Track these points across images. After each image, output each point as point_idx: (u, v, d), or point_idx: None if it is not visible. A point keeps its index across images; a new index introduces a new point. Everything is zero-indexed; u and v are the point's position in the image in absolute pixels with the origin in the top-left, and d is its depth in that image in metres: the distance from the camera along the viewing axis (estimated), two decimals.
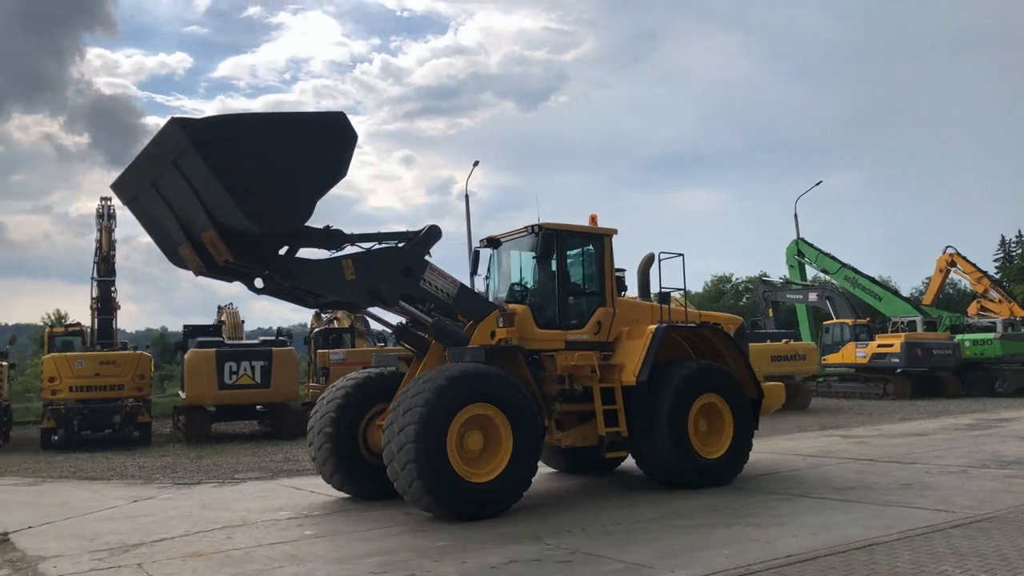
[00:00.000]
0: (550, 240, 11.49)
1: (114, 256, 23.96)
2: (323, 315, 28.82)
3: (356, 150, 9.83)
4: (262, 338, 25.30)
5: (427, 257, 10.98)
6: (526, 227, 11.79)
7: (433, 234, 11.09)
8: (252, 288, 10.25)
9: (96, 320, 23.60)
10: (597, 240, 12.10)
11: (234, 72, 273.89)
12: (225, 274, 10.08)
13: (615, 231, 12.27)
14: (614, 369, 11.45)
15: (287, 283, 10.20)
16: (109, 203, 24.27)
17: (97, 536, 9.45)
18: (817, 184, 45.62)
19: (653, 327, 11.62)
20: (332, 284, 10.35)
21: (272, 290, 10.31)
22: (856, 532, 8.15)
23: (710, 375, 11.71)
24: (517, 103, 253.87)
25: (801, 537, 8.08)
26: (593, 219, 12.28)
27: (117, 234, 24.42)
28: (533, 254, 11.83)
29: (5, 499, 12.66)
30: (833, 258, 39.17)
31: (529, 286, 12.08)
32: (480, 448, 9.78)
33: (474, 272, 12.58)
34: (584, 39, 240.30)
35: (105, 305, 23.59)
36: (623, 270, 12.61)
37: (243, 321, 27.77)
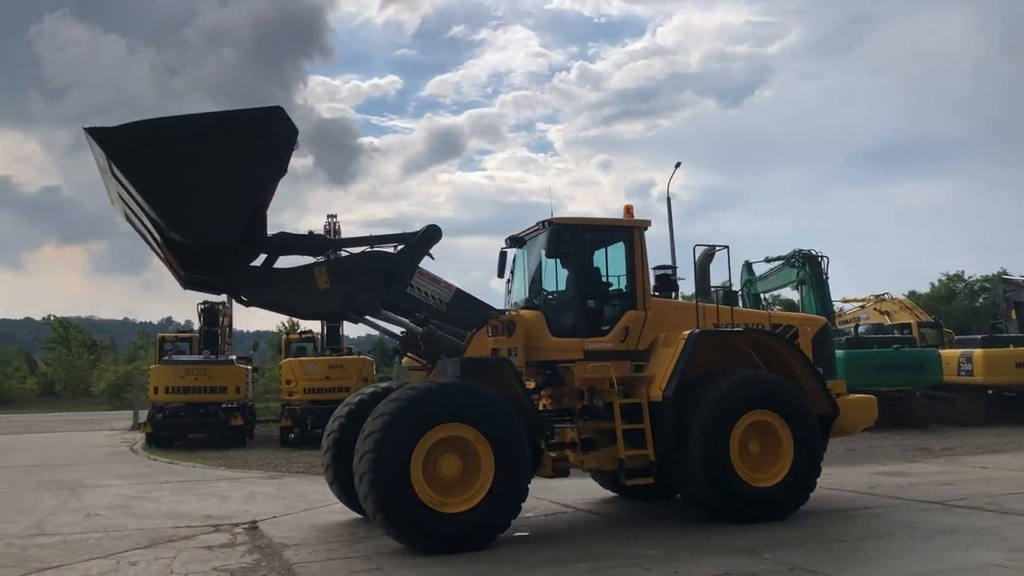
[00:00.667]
0: (561, 237, 10.14)
1: None
2: None
3: (553, 157, 9.80)
4: None
5: (431, 258, 10.17)
6: (539, 223, 10.55)
7: (432, 234, 10.18)
8: (240, 301, 9.92)
9: (325, 327, 25.55)
10: (625, 234, 10.48)
11: (440, 90, 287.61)
12: (200, 286, 9.90)
13: (647, 223, 10.68)
14: (642, 382, 10.01)
15: (254, 296, 9.67)
16: (335, 220, 26.25)
17: (331, 527, 10.30)
18: None
19: (687, 333, 10.06)
20: (302, 294, 9.70)
21: (259, 303, 9.81)
22: None
23: (760, 388, 9.86)
24: (719, 100, 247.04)
25: None
26: (628, 211, 10.76)
27: None
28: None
29: (253, 490, 14.07)
30: None
31: (544, 289, 10.67)
32: (457, 474, 8.62)
33: (500, 274, 11.23)
34: (789, 30, 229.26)
35: None
36: (672, 267, 11.19)
37: None
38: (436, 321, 10.13)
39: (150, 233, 9.17)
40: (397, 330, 10.43)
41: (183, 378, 22.77)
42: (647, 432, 9.67)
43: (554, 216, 10.48)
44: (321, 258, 9.89)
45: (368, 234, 10.43)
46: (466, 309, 10.13)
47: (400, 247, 10.12)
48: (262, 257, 9.62)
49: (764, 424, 9.80)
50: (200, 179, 8.44)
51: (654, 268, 10.90)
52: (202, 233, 8.80)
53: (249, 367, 25.57)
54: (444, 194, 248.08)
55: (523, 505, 8.90)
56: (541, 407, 10.46)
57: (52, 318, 71.47)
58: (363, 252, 10.10)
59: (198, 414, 22.50)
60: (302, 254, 9.91)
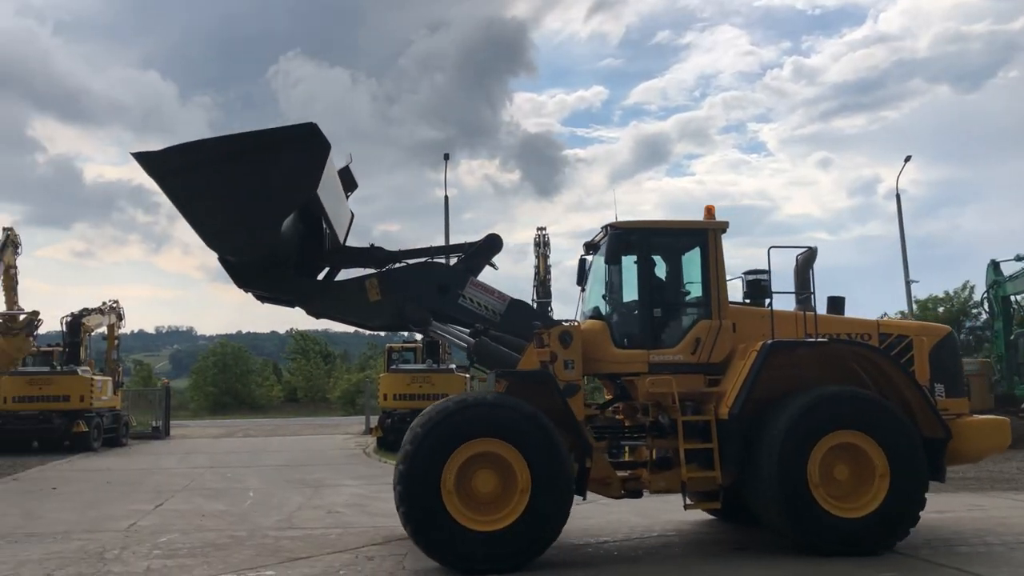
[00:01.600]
0: (620, 242, 9.59)
1: (550, 279, 26.48)
2: None
3: (767, 158, 9.59)
4: None
5: (493, 268, 10.08)
6: (603, 227, 9.95)
7: (493, 244, 10.10)
8: (308, 312, 10.08)
9: None
10: (698, 237, 9.70)
11: (645, 97, 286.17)
12: (268, 300, 10.12)
13: (724, 225, 9.78)
14: (713, 398, 9.19)
15: (311, 308, 9.92)
16: (544, 232, 26.95)
17: None
18: None
19: (760, 344, 9.08)
20: (355, 307, 9.83)
21: (318, 314, 10.04)
22: None
23: (846, 406, 8.71)
24: (954, 85, 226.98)
25: None
26: (709, 211, 9.94)
27: (550, 259, 26.96)
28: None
29: None
30: None
31: (607, 297, 9.94)
32: (493, 491, 8.30)
33: (579, 282, 10.71)
34: None
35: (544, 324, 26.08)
36: (764, 272, 9.98)
37: None
38: (496, 332, 9.79)
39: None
40: (460, 342, 10.26)
41: (409, 385, 24.27)
42: (715, 453, 8.88)
43: (617, 220, 9.94)
44: (374, 271, 10.09)
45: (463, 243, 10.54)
46: (522, 320, 9.80)
47: (458, 257, 10.15)
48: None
49: (853, 447, 8.68)
50: (236, 196, 8.66)
51: (745, 273, 10.15)
52: (236, 249, 9.14)
53: (467, 375, 26.71)
54: (651, 201, 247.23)
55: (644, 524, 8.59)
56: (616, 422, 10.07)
57: (294, 331, 78.63)
58: (416, 264, 10.19)
59: None
60: (363, 266, 10.14)
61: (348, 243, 10.79)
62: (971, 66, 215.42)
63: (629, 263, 9.73)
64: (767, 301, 9.93)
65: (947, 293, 41.78)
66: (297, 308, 10.04)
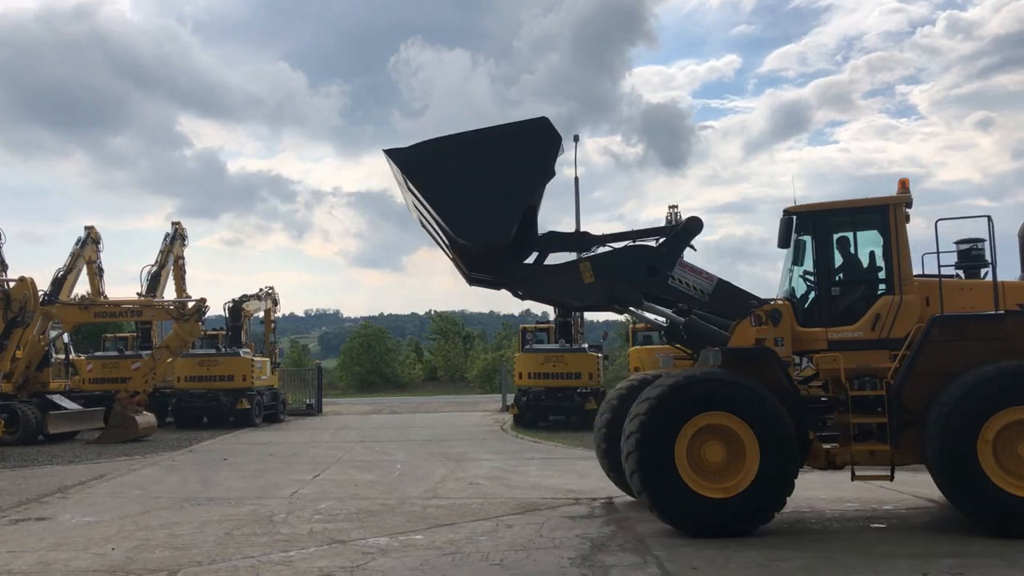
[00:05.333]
0: (790, 226, 9.96)
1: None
2: None
3: (918, 122, 9.67)
4: None
5: (693, 250, 10.17)
6: (784, 210, 10.15)
7: (693, 226, 10.27)
8: (516, 296, 10.58)
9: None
10: (879, 213, 9.72)
11: (782, 64, 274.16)
12: (481, 283, 10.66)
13: (906, 199, 9.66)
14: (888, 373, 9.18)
15: (527, 291, 10.42)
16: (676, 210, 26.78)
17: None
18: None
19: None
20: (569, 288, 10.31)
21: (531, 297, 10.56)
22: None
23: (1018, 381, 8.39)
24: None
25: None
26: (903, 184, 9.83)
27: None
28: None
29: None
30: None
31: (792, 278, 10.28)
32: (721, 460, 8.82)
33: (781, 244, 10.60)
34: None
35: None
36: (979, 241, 9.76)
37: None
38: (701, 311, 10.23)
39: (440, 237, 10.35)
40: (663, 320, 10.79)
41: (542, 365, 24.88)
42: (887, 428, 9.03)
43: (794, 205, 10.17)
44: (586, 254, 10.52)
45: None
46: (729, 299, 10.11)
47: (662, 240, 10.42)
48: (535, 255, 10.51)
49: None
50: (477, 187, 9.45)
51: (957, 242, 10.03)
52: (480, 235, 9.73)
53: (600, 355, 27.07)
54: (791, 172, 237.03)
55: (883, 497, 8.71)
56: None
57: (433, 313, 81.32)
58: (626, 246, 10.51)
59: (556, 398, 24.46)
60: (570, 251, 10.62)
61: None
62: None
63: (808, 244, 10.04)
64: (984, 271, 9.87)
65: None
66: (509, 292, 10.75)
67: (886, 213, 9.73)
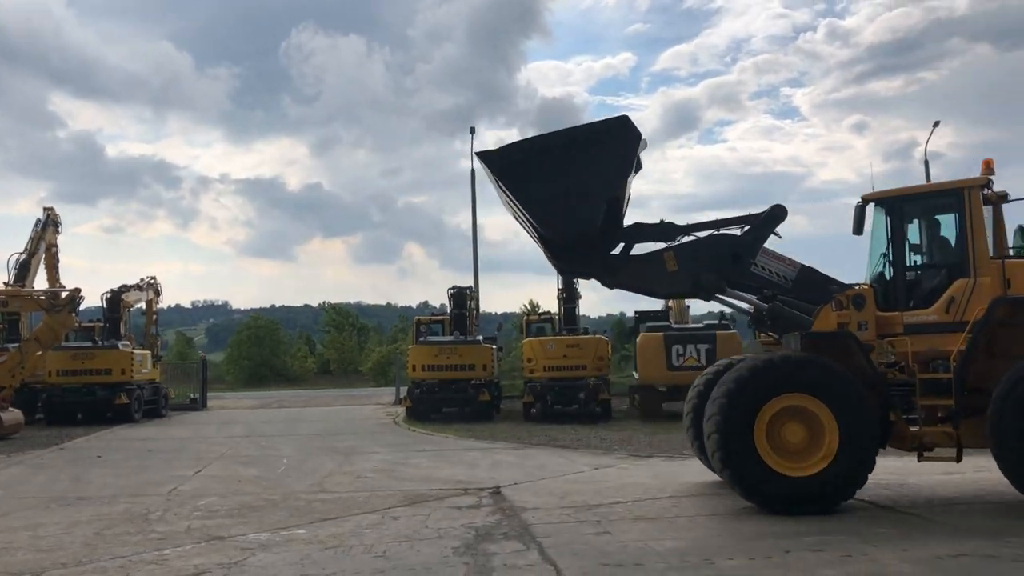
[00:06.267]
0: (863, 213, 10.14)
1: None
2: None
3: (800, 123, 10.10)
4: (707, 322, 26.15)
5: (777, 238, 10.50)
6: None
7: (776, 215, 10.53)
8: (605, 284, 10.93)
9: (562, 308, 26.61)
10: (953, 197, 9.84)
11: (674, 63, 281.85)
12: (572, 273, 11.00)
13: (983, 181, 9.77)
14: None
15: (612, 280, 10.78)
16: None
17: (566, 495, 11.00)
18: None
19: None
20: (654, 277, 10.69)
21: (617, 286, 10.91)
22: None
23: None
24: (995, 44, 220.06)
25: None
26: (988, 164, 9.97)
27: None
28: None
29: (498, 460, 15.24)
30: None
31: (874, 263, 10.56)
32: (801, 441, 9.20)
33: (856, 231, 10.71)
34: None
35: (569, 294, 26.43)
36: None
37: (688, 306, 28.91)
38: (785, 297, 10.46)
39: (532, 231, 10.79)
40: (747, 307, 11.06)
41: (437, 357, 24.81)
42: (952, 410, 9.33)
43: (873, 191, 10.36)
44: (670, 243, 10.79)
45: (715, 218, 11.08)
46: (812, 285, 10.37)
47: (745, 228, 10.66)
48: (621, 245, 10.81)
49: None
50: (562, 184, 9.95)
51: None
52: (567, 229, 10.23)
53: (494, 347, 27.23)
54: (682, 169, 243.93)
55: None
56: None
57: (327, 304, 79.75)
58: (709, 235, 10.78)
59: (450, 390, 24.45)
60: (655, 240, 10.87)
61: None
62: (1013, 23, 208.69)
63: (884, 231, 10.19)
64: None
65: None
66: (595, 280, 11.01)
67: (961, 196, 9.76)
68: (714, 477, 12.02)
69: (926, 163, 36.27)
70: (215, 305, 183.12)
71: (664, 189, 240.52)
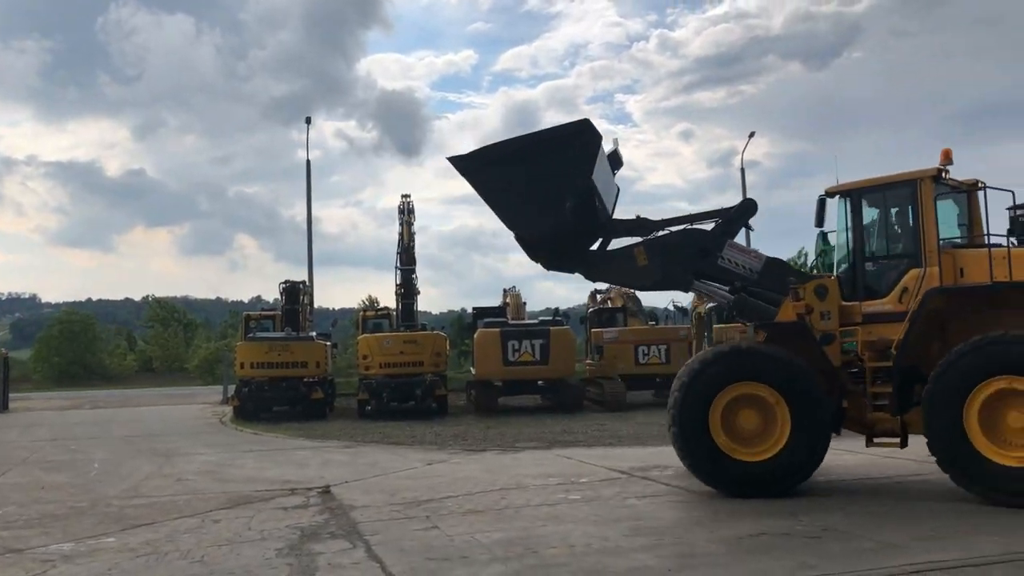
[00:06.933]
0: (823, 206, 10.48)
1: (414, 246, 26.60)
2: (598, 296, 29.90)
3: (632, 129, 10.73)
4: (540, 318, 26.81)
5: (750, 230, 11.12)
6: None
7: (746, 208, 11.11)
8: (587, 278, 11.59)
9: (400, 304, 26.43)
10: (907, 188, 9.93)
11: (515, 63, 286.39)
12: (559, 269, 11.60)
13: (935, 172, 9.77)
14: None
15: (590, 274, 11.43)
16: (408, 200, 27.00)
17: (397, 491, 10.95)
18: None
19: None
20: (626, 272, 11.20)
21: (599, 279, 11.60)
22: None
23: (1000, 352, 8.67)
24: (805, 63, 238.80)
25: None
26: (945, 154, 9.95)
27: (415, 225, 27.07)
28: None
29: (329, 458, 14.93)
30: None
31: (838, 256, 10.92)
32: (755, 427, 9.65)
33: (817, 224, 11.06)
34: None
35: (407, 290, 26.28)
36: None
37: (525, 303, 29.53)
38: (756, 289, 10.64)
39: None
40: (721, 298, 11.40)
41: (267, 354, 23.96)
42: (892, 397, 9.56)
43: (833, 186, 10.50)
44: (643, 238, 11.10)
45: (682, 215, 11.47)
46: (777, 276, 10.59)
47: (715, 222, 10.97)
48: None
49: (1019, 394, 8.57)
50: (528, 186, 10.47)
51: (1010, 208, 10.24)
52: (534, 229, 10.76)
53: (328, 343, 26.65)
54: None
55: (580, 471, 9.30)
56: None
57: (151, 298, 75.23)
58: (679, 230, 11.08)
59: (281, 388, 23.68)
60: (632, 235, 11.20)
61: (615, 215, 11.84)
62: (820, 45, 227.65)
63: (847, 222, 10.32)
64: None
65: (790, 261, 45.00)
66: (575, 274, 11.38)
67: (915, 187, 9.82)
68: (544, 469, 12.40)
69: (742, 171, 39.06)
70: (21, 298, 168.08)
71: None
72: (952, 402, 8.78)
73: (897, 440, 9.84)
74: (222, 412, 26.37)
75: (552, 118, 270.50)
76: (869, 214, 10.30)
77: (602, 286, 29.76)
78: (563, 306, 32.46)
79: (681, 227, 11.16)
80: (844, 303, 10.09)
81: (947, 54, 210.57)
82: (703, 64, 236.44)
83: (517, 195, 10.63)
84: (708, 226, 11.11)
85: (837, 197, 10.40)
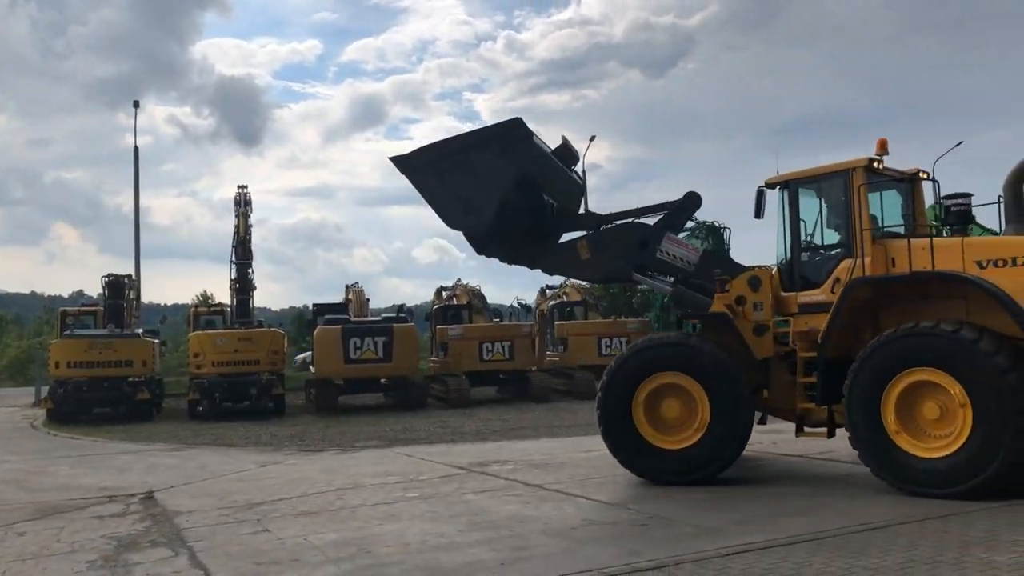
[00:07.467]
0: (762, 197, 10.44)
1: (250, 240, 25.59)
2: (443, 293, 29.92)
3: (478, 127, 11.08)
4: (384, 315, 26.52)
5: (693, 222, 11.45)
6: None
7: (689, 202, 11.32)
8: (532, 268, 11.98)
9: (235, 300, 25.36)
10: (838, 179, 9.91)
11: (361, 56, 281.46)
12: (509, 260, 12.02)
13: (866, 162, 9.68)
14: None
15: (533, 266, 11.79)
16: (245, 191, 25.94)
17: (227, 495, 10.49)
18: (958, 145, 42.40)
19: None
20: (569, 265, 11.73)
21: (545, 271, 12.03)
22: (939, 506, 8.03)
23: (919, 344, 8.50)
24: (644, 71, 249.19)
25: (880, 508, 8.05)
26: (881, 144, 9.90)
27: (253, 218, 26.05)
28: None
29: (155, 462, 14.10)
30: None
31: (776, 246, 10.83)
32: (678, 416, 9.88)
33: (756, 215, 10.84)
34: (710, 1, 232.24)
35: (243, 286, 25.26)
36: (966, 196, 9.79)
37: (368, 299, 29.11)
38: (697, 281, 10.81)
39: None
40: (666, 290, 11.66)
41: (87, 352, 22.32)
42: (817, 387, 9.53)
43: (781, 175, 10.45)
44: (587, 232, 11.52)
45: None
46: (712, 269, 10.63)
47: (661, 216, 11.25)
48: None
49: (933, 386, 8.46)
50: (462, 183, 11.01)
51: (944, 197, 10.01)
52: (467, 224, 11.38)
53: (156, 341, 25.19)
54: (368, 162, 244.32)
55: (420, 469, 9.23)
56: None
57: None
58: (620, 224, 11.45)
59: (103, 388, 22.12)
60: (584, 229, 11.61)
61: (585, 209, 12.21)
62: (658, 55, 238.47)
63: (785, 213, 10.31)
64: (970, 227, 9.85)
65: None
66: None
67: (847, 178, 9.74)
68: (383, 468, 12.28)
69: (584, 173, 40.14)
70: None
71: (351, 181, 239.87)
72: (870, 395, 8.76)
73: (825, 431, 9.81)
74: (34, 415, 24.32)
75: (399, 112, 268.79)
76: (806, 205, 10.31)
77: (448, 282, 30.05)
78: (410, 303, 32.28)
79: (627, 221, 11.53)
80: (783, 294, 10.21)
81: (772, 69, 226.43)
82: (548, 67, 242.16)
83: (452, 193, 11.14)
84: (654, 220, 11.48)
85: (772, 189, 10.41)
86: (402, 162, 11.51)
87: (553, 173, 11.61)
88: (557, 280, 29.94)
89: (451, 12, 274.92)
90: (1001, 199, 9.32)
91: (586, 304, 29.36)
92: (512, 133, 10.84)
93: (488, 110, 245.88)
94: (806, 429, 10.01)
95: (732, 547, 6.75)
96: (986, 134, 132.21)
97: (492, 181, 10.86)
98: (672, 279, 11.12)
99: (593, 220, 11.74)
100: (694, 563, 6.36)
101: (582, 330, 27.07)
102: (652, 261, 11.08)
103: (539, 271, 12.16)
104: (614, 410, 10.08)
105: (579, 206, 12.23)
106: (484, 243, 11.77)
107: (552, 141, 11.84)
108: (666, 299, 29.20)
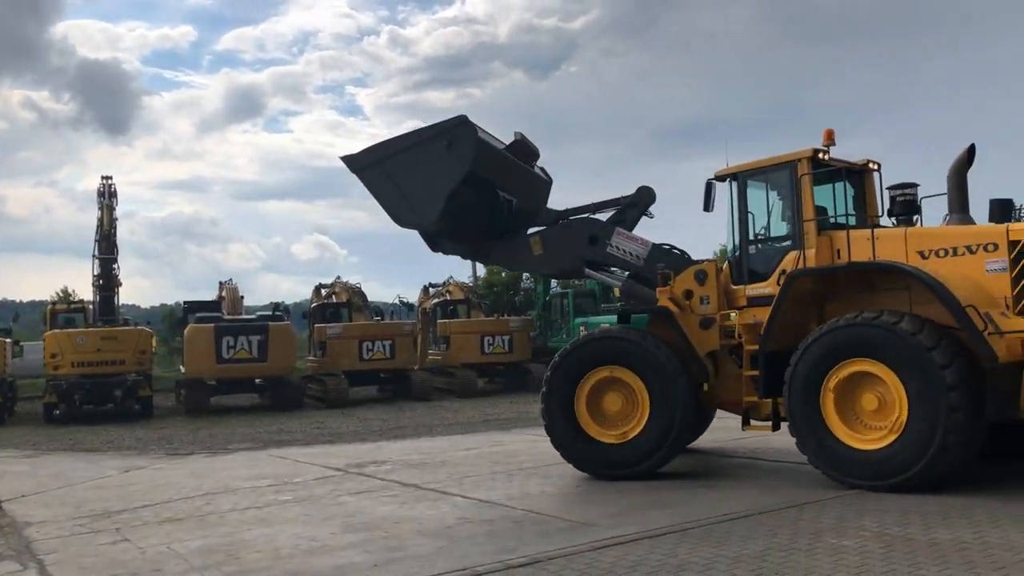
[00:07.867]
0: (710, 190, 10.31)
1: (115, 234, 24.32)
2: (322, 290, 29.32)
3: (363, 122, 11.33)
4: (259, 313, 25.74)
5: (649, 218, 11.41)
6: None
7: (642, 196, 11.40)
8: (487, 264, 12.21)
9: (98, 297, 24.03)
10: (785, 170, 9.82)
11: (239, 45, 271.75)
12: (471, 258, 12.51)
13: (811, 153, 9.61)
14: None
15: (488, 263, 11.95)
16: (110, 182, 24.60)
17: (84, 503, 9.90)
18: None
19: None
20: (523, 260, 12.00)
21: (498, 265, 12.25)
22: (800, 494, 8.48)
23: (854, 335, 8.49)
24: (527, 73, 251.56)
25: (746, 498, 8.41)
26: (828, 134, 9.85)
27: (119, 211, 24.77)
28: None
29: (3, 470, 13.14)
30: None
31: (726, 239, 10.91)
32: (620, 410, 9.94)
33: (705, 208, 10.74)
34: (593, 5, 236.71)
35: (107, 282, 24.01)
36: (911, 186, 9.71)
37: (242, 297, 28.16)
38: (647, 275, 10.79)
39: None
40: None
41: None
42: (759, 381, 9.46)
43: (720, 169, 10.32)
44: (540, 228, 11.70)
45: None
46: (663, 262, 10.60)
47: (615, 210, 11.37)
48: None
49: (872, 377, 8.44)
50: (409, 181, 11.14)
51: (890, 187, 9.93)
52: (414, 221, 11.45)
53: (8, 340, 23.56)
54: (246, 155, 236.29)
55: (296, 471, 8.96)
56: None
57: None
58: (571, 219, 11.64)
59: None
60: (537, 225, 11.75)
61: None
62: (542, 57, 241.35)
63: (731, 206, 10.20)
64: (916, 217, 9.63)
65: None
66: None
67: (792, 170, 9.67)
68: (255, 471, 11.90)
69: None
70: None
71: (227, 174, 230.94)
72: (809, 387, 8.73)
73: (769, 424, 9.65)
74: None
75: (279, 104, 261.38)
76: (753, 197, 10.21)
77: (328, 279, 29.45)
78: (288, 300, 31.47)
79: (579, 217, 11.65)
80: (733, 286, 10.19)
81: (652, 74, 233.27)
82: (433, 64, 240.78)
83: (399, 191, 11.24)
84: (607, 215, 11.54)
85: (721, 181, 10.29)
86: (351, 161, 11.64)
87: (505, 169, 11.67)
88: (440, 278, 29.99)
89: (333, 4, 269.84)
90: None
91: (469, 302, 29.40)
92: (457, 130, 10.92)
93: (372, 105, 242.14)
94: (752, 422, 9.84)
95: (603, 540, 6.89)
96: (862, 141, 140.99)
97: (439, 178, 10.92)
98: (626, 273, 11.36)
99: (549, 216, 11.94)
100: (565, 558, 6.45)
101: (465, 328, 27.03)
102: (602, 256, 11.22)
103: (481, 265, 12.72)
104: (557, 404, 10.20)
105: (545, 201, 12.43)
106: (436, 240, 11.88)
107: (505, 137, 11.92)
108: (548, 298, 30.12)
